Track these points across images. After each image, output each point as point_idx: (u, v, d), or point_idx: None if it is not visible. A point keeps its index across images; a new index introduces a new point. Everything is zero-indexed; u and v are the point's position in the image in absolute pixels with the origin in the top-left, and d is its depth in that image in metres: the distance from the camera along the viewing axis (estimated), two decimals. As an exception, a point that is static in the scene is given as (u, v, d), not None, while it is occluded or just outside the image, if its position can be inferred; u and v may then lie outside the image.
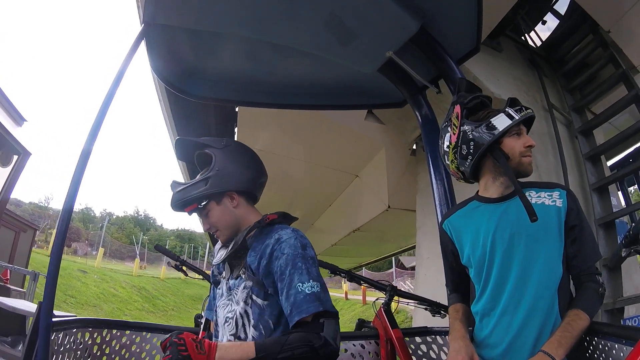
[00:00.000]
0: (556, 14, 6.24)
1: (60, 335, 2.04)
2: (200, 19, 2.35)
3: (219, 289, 1.88)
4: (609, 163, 4.92)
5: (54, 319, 1.85)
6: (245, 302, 1.66)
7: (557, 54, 5.83)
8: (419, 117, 2.79)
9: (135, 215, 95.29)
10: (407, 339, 2.60)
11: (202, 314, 2.38)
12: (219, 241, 1.89)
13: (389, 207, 7.91)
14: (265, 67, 2.88)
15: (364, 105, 3.33)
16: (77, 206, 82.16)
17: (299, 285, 1.55)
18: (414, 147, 7.33)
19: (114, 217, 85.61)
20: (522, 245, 1.68)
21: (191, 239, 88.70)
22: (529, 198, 1.73)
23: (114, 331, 2.38)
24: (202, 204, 1.77)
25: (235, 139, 7.37)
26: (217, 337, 1.78)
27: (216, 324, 1.83)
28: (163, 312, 22.13)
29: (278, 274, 1.60)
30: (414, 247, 18.67)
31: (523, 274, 1.66)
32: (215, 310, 1.86)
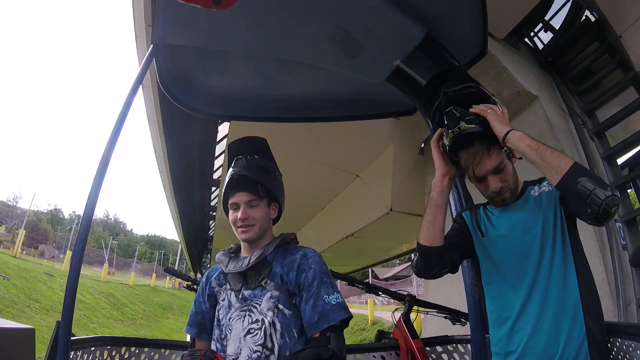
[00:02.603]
0: (550, 28, 6.44)
1: (79, 354, 2.15)
2: (207, 38, 2.46)
3: (222, 300, 1.97)
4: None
5: (72, 338, 1.93)
6: (273, 312, 1.82)
7: (562, 60, 6.07)
8: (430, 125, 2.88)
9: (105, 219, 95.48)
10: (427, 348, 2.72)
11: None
12: (222, 253, 2.08)
13: (390, 210, 7.71)
14: (273, 82, 2.98)
15: (373, 115, 3.40)
16: (46, 207, 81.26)
17: (326, 297, 1.81)
18: (422, 145, 7.32)
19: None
20: (534, 243, 1.81)
21: (162, 245, 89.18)
22: (532, 192, 1.92)
23: (133, 349, 2.49)
24: (263, 193, 2.02)
25: (227, 131, 7.43)
26: (224, 352, 1.86)
27: (220, 339, 1.91)
28: (132, 321, 21.84)
29: (305, 285, 1.85)
30: (393, 258, 18.78)
31: (537, 271, 1.78)
32: (218, 325, 1.95)
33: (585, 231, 4.00)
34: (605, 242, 4.20)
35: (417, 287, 25.26)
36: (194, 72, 2.82)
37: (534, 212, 1.86)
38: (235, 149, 2.12)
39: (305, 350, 1.70)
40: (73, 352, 2.05)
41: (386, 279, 42.38)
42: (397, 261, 48.96)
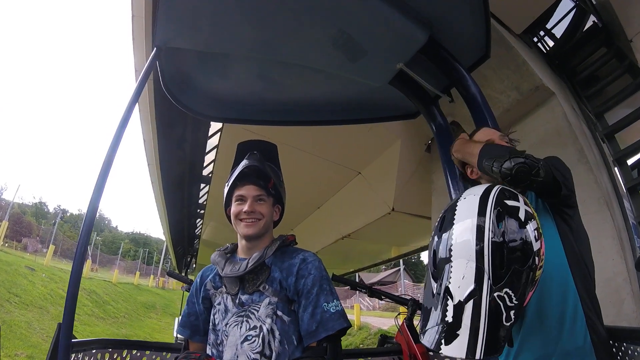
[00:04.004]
0: (552, 36, 6.51)
1: (80, 356, 2.18)
2: (210, 41, 2.50)
3: (218, 304, 1.98)
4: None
5: (73, 340, 1.95)
6: (271, 318, 1.83)
7: (569, 65, 6.11)
8: (433, 128, 2.94)
9: None
10: (431, 353, 2.72)
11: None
12: (218, 254, 2.06)
13: (392, 209, 7.49)
14: (276, 85, 3.02)
15: (376, 118, 3.42)
16: (31, 199, 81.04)
17: (325, 305, 1.82)
18: (430, 142, 7.06)
19: (68, 214, 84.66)
20: None
21: (146, 243, 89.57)
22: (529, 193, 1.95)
23: (134, 352, 2.53)
24: (272, 191, 2.05)
25: (220, 125, 7.36)
26: (220, 357, 1.87)
27: (216, 344, 1.92)
28: (114, 319, 21.61)
29: (304, 292, 1.85)
30: (381, 263, 18.69)
31: None
32: (214, 330, 1.96)
33: (606, 230, 4.01)
34: (626, 241, 4.19)
35: (405, 293, 25.51)
36: (196, 74, 2.86)
37: None
38: (245, 150, 2.12)
39: (299, 359, 1.74)
40: (74, 354, 2.08)
41: (372, 284, 42.60)
42: (383, 267, 49.19)
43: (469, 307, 1.15)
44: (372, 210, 8.25)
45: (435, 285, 1.25)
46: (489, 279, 1.16)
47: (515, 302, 1.17)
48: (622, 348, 1.83)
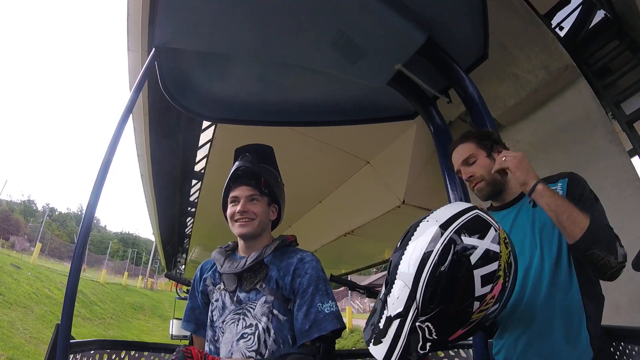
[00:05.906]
0: (557, 34, 6.53)
1: (78, 357, 2.22)
2: (209, 41, 2.53)
3: (215, 300, 2.04)
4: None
5: (72, 341, 1.99)
6: (267, 317, 1.89)
7: (581, 56, 6.09)
8: (432, 128, 2.98)
9: (79, 213, 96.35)
10: (430, 354, 2.75)
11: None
12: (218, 251, 2.13)
13: (403, 202, 7.09)
14: (275, 86, 3.07)
15: (375, 119, 3.45)
16: (19, 197, 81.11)
17: (319, 305, 1.86)
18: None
19: (57, 212, 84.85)
20: (535, 247, 1.86)
21: (135, 243, 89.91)
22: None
23: (132, 352, 2.56)
24: (265, 190, 2.09)
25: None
26: (217, 354, 1.93)
27: (213, 340, 1.98)
28: (101, 320, 21.44)
29: (299, 291, 1.90)
30: (373, 265, 18.63)
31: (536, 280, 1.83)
32: (211, 326, 2.02)
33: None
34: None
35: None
36: (195, 74, 2.89)
37: (529, 217, 1.92)
38: (240, 154, 2.17)
39: (290, 355, 1.79)
40: (72, 355, 2.11)
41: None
42: (374, 270, 49.21)
43: (395, 324, 1.23)
44: (379, 204, 7.85)
45: (383, 292, 1.32)
46: (416, 308, 1.20)
47: (435, 337, 1.21)
48: (620, 347, 1.87)
